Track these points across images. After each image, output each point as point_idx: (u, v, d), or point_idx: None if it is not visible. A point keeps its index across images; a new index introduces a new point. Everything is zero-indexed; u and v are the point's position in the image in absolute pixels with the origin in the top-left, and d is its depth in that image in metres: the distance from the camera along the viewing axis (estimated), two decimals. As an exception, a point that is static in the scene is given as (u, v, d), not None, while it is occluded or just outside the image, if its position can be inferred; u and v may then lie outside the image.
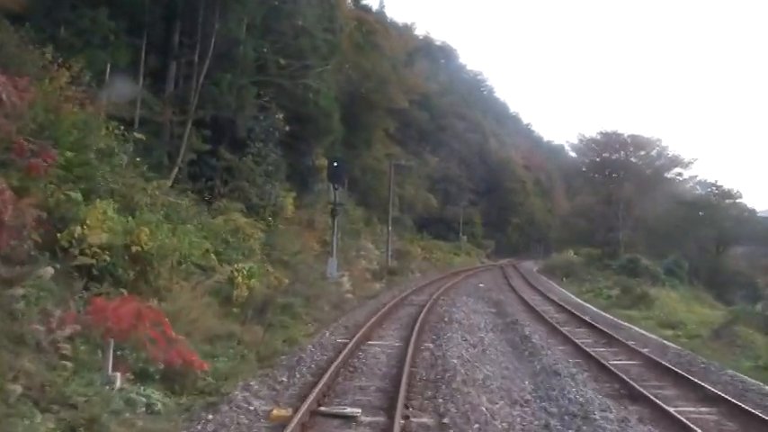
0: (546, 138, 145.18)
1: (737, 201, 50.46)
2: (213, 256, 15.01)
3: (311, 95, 25.39)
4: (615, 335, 16.58)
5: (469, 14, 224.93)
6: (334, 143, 37.76)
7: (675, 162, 55.70)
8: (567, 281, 40.28)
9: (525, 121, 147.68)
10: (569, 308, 23.00)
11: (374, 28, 51.84)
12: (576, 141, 66.00)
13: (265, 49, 24.00)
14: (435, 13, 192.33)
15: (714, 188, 50.87)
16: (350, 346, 12.56)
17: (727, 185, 52.91)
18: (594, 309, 24.68)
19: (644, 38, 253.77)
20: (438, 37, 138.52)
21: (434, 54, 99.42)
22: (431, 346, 13.54)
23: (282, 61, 24.34)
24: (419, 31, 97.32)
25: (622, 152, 56.44)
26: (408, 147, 68.15)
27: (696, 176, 57.45)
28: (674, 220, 46.83)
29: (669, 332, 18.73)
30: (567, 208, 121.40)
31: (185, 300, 11.62)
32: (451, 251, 60.40)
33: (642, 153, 56.54)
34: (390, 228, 38.92)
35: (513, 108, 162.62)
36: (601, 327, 18.08)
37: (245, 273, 14.15)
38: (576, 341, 15.12)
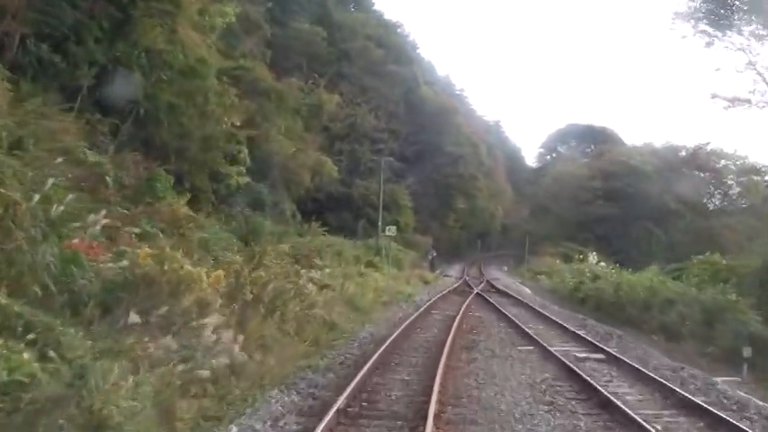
0: (478, 113, 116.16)
1: None
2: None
3: None
4: None
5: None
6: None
7: None
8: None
9: (458, 86, 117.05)
10: None
11: None
12: None
13: None
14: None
15: None
16: None
17: None
18: None
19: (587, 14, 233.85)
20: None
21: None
22: None
23: None
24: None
25: None
26: (289, 73, 37.28)
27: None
28: None
29: None
30: (513, 194, 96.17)
31: None
32: (364, 259, 29.05)
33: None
34: None
35: (442, 71, 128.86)
36: None
37: None
38: None
